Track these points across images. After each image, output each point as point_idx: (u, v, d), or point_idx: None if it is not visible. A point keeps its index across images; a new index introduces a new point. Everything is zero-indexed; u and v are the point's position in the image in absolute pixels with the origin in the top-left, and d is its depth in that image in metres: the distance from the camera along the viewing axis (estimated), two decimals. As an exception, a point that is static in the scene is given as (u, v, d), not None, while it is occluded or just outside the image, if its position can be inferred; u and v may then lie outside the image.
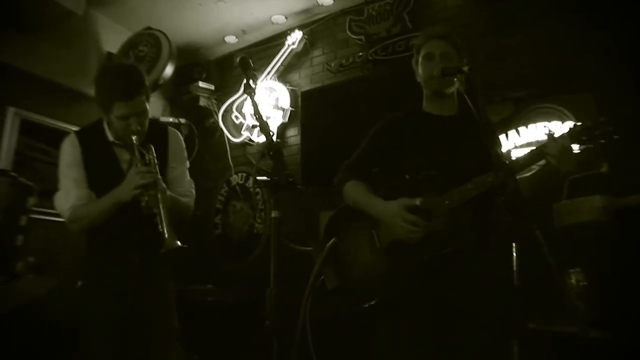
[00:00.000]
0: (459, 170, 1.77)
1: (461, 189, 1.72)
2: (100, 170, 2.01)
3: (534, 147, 1.72)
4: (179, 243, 1.79)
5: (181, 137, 2.23)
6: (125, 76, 1.94)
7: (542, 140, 1.62)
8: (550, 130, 1.63)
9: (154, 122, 2.13)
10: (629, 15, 2.78)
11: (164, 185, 1.92)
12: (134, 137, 1.94)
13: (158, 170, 1.94)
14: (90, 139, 2.05)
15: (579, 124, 1.60)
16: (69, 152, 2.01)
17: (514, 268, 1.83)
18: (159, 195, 1.86)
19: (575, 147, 1.61)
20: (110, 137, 2.04)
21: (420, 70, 2.00)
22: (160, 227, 1.81)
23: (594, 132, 1.55)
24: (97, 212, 1.96)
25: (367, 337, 1.85)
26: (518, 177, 1.71)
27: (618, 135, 1.49)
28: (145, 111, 1.97)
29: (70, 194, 1.98)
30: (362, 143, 2.07)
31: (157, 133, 2.10)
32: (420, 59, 2.00)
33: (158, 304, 2.05)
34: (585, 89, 2.90)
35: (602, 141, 1.52)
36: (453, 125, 1.94)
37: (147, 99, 1.99)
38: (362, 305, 1.82)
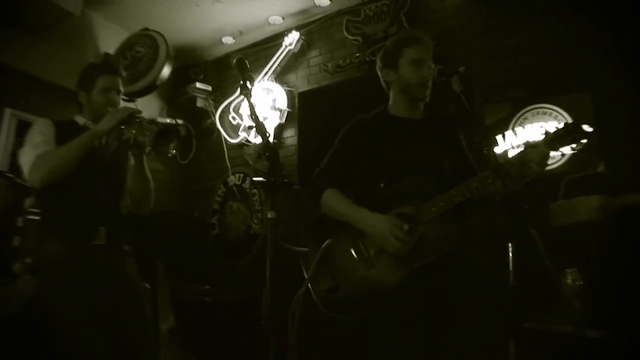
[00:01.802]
0: (439, 174, 1.75)
1: (445, 195, 1.68)
2: None
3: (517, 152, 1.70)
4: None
5: None
6: (109, 60, 2.40)
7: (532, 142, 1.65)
8: (544, 131, 1.64)
9: None
10: (629, 15, 2.77)
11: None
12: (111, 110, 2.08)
13: None
14: (64, 126, 2.11)
15: (551, 131, 1.60)
16: (46, 125, 2.07)
17: (510, 268, 1.83)
18: (145, 124, 1.97)
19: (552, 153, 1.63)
20: (82, 121, 2.14)
21: (406, 74, 1.91)
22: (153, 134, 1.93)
23: (565, 137, 1.56)
24: (67, 154, 1.91)
25: (362, 341, 1.84)
26: None
27: (586, 139, 1.53)
28: (120, 92, 2.21)
29: (38, 147, 1.95)
30: (331, 148, 2.00)
31: None
32: (405, 63, 1.92)
33: (134, 300, 2.03)
34: (584, 89, 2.90)
35: (573, 145, 1.55)
36: (424, 128, 1.92)
37: (122, 85, 2.24)
38: (357, 314, 1.78)
